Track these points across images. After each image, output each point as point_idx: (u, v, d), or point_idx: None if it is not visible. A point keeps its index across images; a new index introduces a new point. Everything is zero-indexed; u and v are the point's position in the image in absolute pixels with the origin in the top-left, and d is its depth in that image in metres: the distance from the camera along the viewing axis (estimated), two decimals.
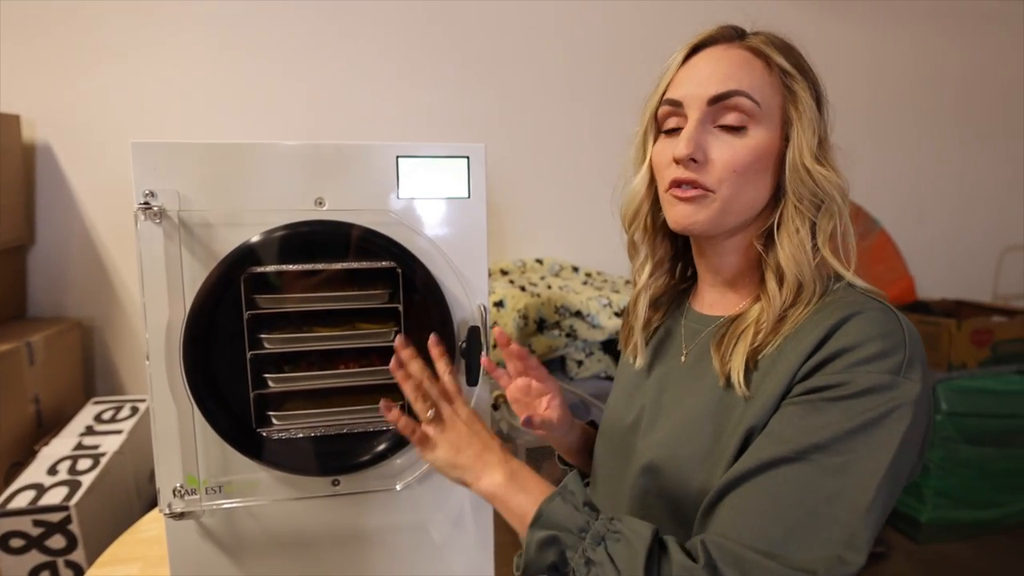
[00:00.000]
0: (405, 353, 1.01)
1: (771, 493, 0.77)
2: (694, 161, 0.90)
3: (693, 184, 0.91)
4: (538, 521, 0.84)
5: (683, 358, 1.03)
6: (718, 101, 0.89)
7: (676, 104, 0.93)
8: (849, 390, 0.77)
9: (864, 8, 3.24)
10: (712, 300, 1.04)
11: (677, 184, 0.92)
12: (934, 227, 3.59)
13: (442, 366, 1.03)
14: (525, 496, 0.88)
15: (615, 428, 1.11)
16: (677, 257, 1.12)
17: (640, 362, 1.11)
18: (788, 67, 0.90)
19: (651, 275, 1.09)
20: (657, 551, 0.78)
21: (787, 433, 0.79)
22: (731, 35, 0.95)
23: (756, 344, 0.88)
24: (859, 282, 0.91)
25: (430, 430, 0.97)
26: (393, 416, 0.97)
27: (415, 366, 1.01)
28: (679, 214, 0.93)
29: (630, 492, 1.00)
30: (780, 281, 0.90)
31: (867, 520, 0.73)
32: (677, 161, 0.91)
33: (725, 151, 0.89)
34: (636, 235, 1.08)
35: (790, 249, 0.89)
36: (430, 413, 0.97)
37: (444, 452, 0.95)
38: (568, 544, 0.82)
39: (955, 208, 3.63)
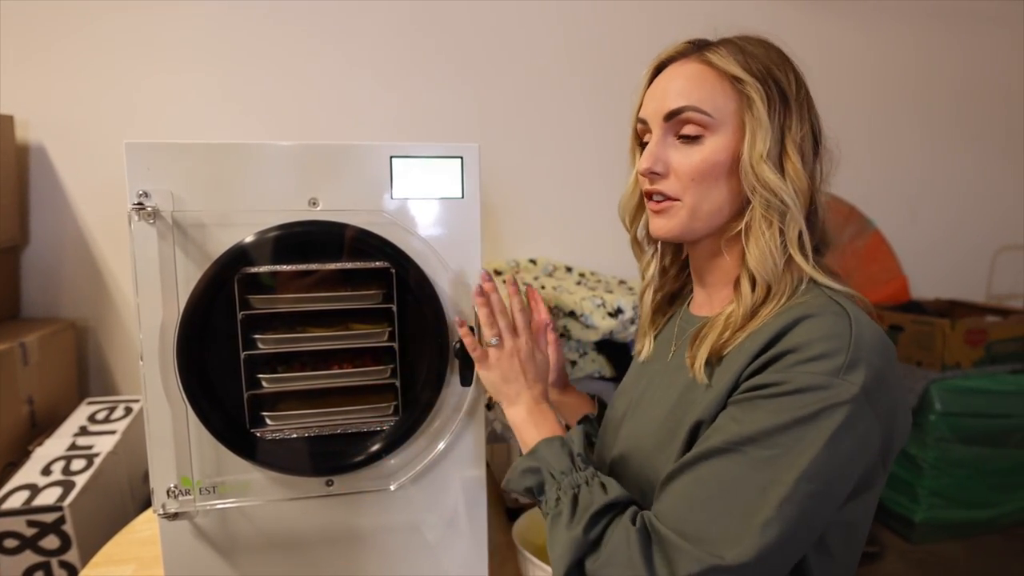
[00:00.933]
0: (487, 286, 1.15)
1: (701, 481, 0.82)
2: (656, 174, 0.97)
3: (660, 195, 0.98)
4: (531, 453, 1.00)
5: (670, 356, 1.08)
6: (672, 117, 0.95)
7: (643, 122, 1.00)
8: (784, 388, 0.80)
9: (861, 8, 3.24)
10: (701, 301, 1.09)
11: (649, 196, 1.00)
12: (928, 227, 3.60)
13: (515, 303, 1.17)
14: (536, 432, 1.05)
15: (610, 417, 1.17)
16: (684, 261, 1.17)
17: (644, 355, 1.16)
18: (740, 74, 0.92)
19: (658, 273, 1.16)
20: (616, 512, 0.88)
21: (727, 426, 0.83)
22: (689, 50, 0.98)
23: (723, 340, 0.92)
24: (826, 280, 0.92)
25: (491, 352, 1.14)
26: (463, 332, 1.15)
27: (495, 298, 1.15)
28: (653, 226, 1.02)
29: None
30: (752, 282, 0.93)
31: (783, 511, 0.76)
32: (641, 174, 1.00)
33: (683, 161, 0.95)
34: (638, 234, 1.13)
35: (757, 252, 0.92)
36: (494, 340, 1.14)
37: (495, 376, 1.14)
38: (546, 478, 0.96)
39: (949, 208, 3.63)
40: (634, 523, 0.85)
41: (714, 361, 0.92)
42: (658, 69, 1.01)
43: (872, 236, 3.43)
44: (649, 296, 1.16)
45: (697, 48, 0.98)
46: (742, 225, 0.94)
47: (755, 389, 0.83)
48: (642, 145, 1.03)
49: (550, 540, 0.90)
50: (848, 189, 3.29)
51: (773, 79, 0.93)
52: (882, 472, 0.87)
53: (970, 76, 3.54)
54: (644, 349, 1.16)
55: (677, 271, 1.17)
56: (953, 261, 3.67)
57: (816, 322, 0.83)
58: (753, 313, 0.91)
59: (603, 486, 0.91)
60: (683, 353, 1.01)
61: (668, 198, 0.97)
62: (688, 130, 0.94)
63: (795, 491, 0.76)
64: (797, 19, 3.09)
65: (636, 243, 1.15)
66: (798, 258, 0.91)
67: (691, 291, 1.15)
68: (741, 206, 0.96)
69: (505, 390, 1.13)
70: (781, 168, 0.91)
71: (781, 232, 0.91)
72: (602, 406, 1.35)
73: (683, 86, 0.94)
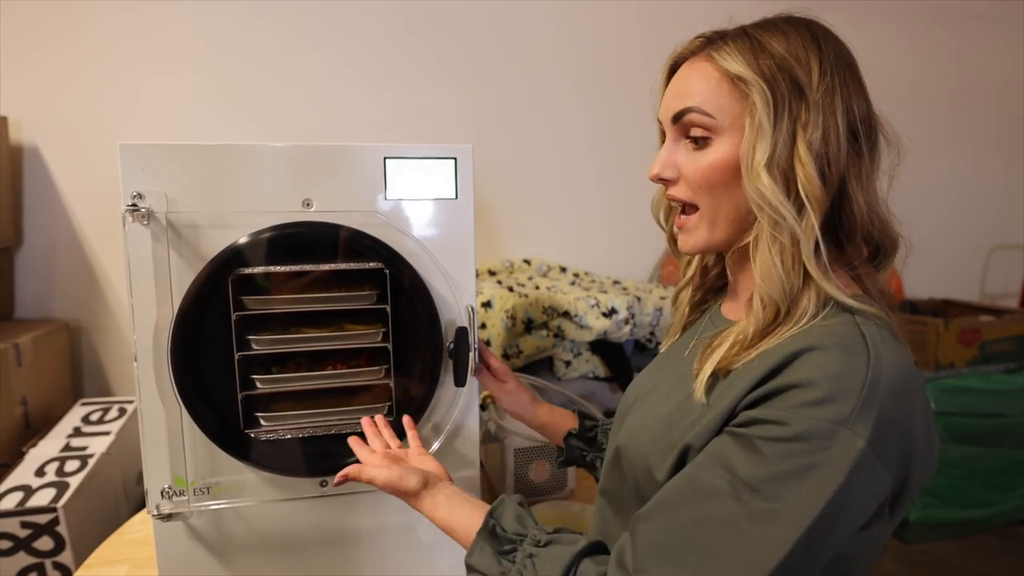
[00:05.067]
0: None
1: (697, 523, 0.76)
2: (664, 180, 0.94)
3: (678, 202, 0.95)
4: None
5: (686, 353, 1.03)
6: (677, 120, 0.91)
7: (660, 123, 0.97)
8: (785, 432, 0.73)
9: (855, 8, 3.25)
10: (731, 304, 1.03)
11: (671, 204, 0.96)
12: (922, 226, 3.57)
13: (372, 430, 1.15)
14: (457, 520, 0.97)
15: (624, 400, 1.10)
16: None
17: (664, 347, 1.13)
18: (743, 72, 0.84)
19: (699, 273, 1.10)
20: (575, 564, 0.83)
21: (726, 463, 0.77)
22: (699, 47, 0.92)
23: (732, 353, 0.85)
24: (851, 302, 0.82)
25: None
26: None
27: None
28: (680, 242, 0.97)
29: (608, 465, 1.04)
30: (763, 300, 0.86)
31: (781, 570, 0.71)
32: (651, 180, 0.96)
33: (691, 167, 0.90)
34: (675, 231, 1.05)
35: (761, 267, 0.84)
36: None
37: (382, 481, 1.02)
38: None
39: (943, 207, 3.64)
40: (604, 565, 0.81)
41: (721, 376, 0.85)
42: (674, 67, 0.95)
43: None
44: (686, 295, 1.10)
45: (707, 43, 0.91)
46: (749, 239, 0.87)
47: (753, 424, 0.76)
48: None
49: None
50: None
51: (789, 75, 0.84)
52: (887, 516, 0.81)
53: (964, 76, 3.55)
54: (666, 343, 1.12)
55: (721, 270, 1.08)
56: (947, 261, 3.68)
57: (825, 356, 0.76)
58: (765, 333, 0.84)
59: (546, 556, 0.85)
60: (696, 355, 0.96)
61: (686, 205, 0.93)
62: (695, 133, 0.88)
63: (794, 551, 0.70)
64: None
65: (673, 241, 1.07)
66: (817, 276, 0.82)
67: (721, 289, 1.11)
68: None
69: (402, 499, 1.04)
70: (792, 174, 0.83)
71: (794, 247, 0.83)
72: (583, 417, 1.32)
73: (688, 86, 0.89)
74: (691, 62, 0.92)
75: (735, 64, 0.86)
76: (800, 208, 0.82)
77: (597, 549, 0.86)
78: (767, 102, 0.83)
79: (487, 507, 0.95)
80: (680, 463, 0.84)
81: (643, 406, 1.01)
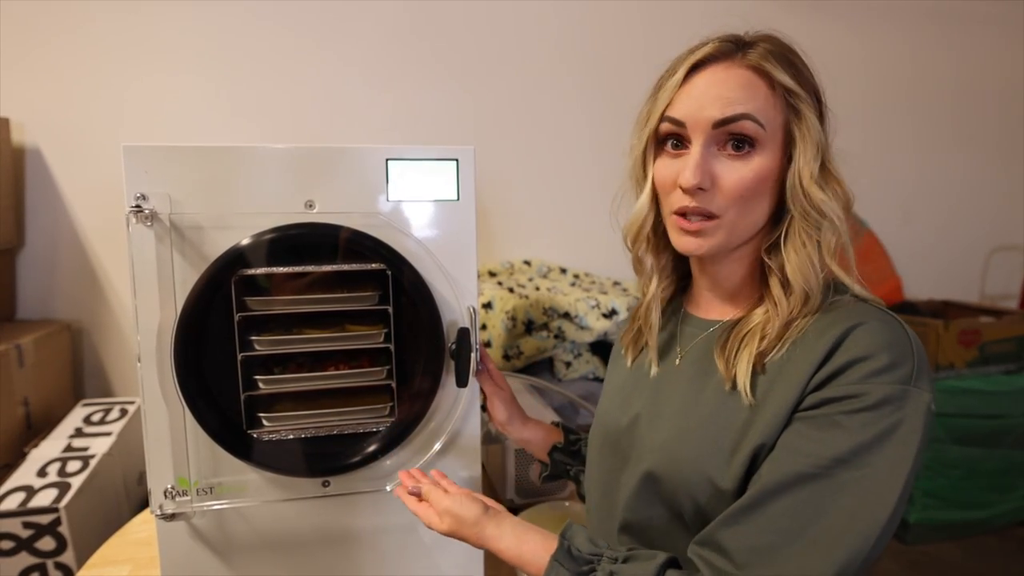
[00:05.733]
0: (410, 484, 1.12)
1: (793, 511, 0.78)
2: (701, 190, 0.89)
3: (700, 212, 0.91)
4: None
5: (677, 361, 1.02)
6: (723, 125, 0.88)
7: (678, 123, 0.91)
8: (865, 402, 0.78)
9: (854, 9, 3.25)
10: (709, 305, 1.04)
11: (683, 212, 0.92)
12: (922, 228, 3.60)
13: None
14: (527, 551, 0.94)
15: (609, 429, 1.09)
16: (677, 261, 1.10)
17: (654, 369, 1.07)
18: (792, 85, 0.88)
19: (659, 284, 1.08)
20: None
21: (807, 447, 0.79)
22: (731, 51, 0.91)
23: (762, 348, 0.89)
24: (861, 291, 0.91)
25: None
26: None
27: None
28: (686, 244, 0.94)
29: (629, 494, 0.99)
30: (785, 289, 0.91)
31: (886, 529, 0.75)
32: (685, 190, 0.90)
33: (732, 176, 0.89)
34: (641, 251, 1.07)
35: (797, 263, 0.89)
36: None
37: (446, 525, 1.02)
38: None
39: (943, 208, 3.64)
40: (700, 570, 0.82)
41: (758, 370, 0.88)
42: (693, 68, 0.92)
43: (865, 237, 3.43)
44: (656, 309, 1.07)
45: (739, 49, 0.91)
46: (779, 235, 0.92)
47: (827, 404, 0.80)
48: (659, 143, 0.96)
49: None
50: None
51: (814, 90, 0.91)
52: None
53: (963, 77, 3.55)
54: (654, 363, 1.07)
55: (667, 276, 1.09)
56: (947, 262, 3.68)
57: (872, 329, 0.82)
58: (789, 323, 0.89)
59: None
60: (700, 359, 0.97)
61: (709, 216, 0.90)
62: (738, 143, 0.88)
63: (895, 510, 0.76)
64: (790, 21, 3.05)
65: (639, 261, 1.08)
66: (836, 270, 0.90)
67: (678, 294, 1.12)
68: (772, 217, 0.94)
69: (466, 534, 1.01)
70: (824, 182, 0.89)
71: (819, 242, 0.90)
72: (567, 431, 1.34)
73: (735, 93, 0.87)
74: (725, 66, 0.90)
75: (784, 76, 0.89)
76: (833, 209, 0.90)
77: (678, 564, 0.86)
78: (815, 112, 0.90)
79: (553, 535, 0.94)
80: (751, 465, 0.85)
81: (658, 427, 0.98)
